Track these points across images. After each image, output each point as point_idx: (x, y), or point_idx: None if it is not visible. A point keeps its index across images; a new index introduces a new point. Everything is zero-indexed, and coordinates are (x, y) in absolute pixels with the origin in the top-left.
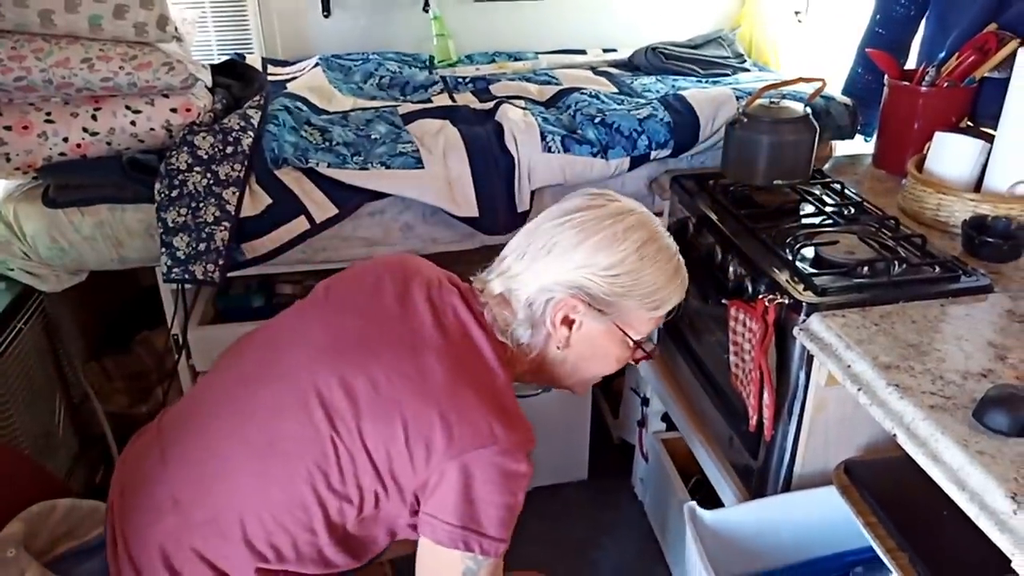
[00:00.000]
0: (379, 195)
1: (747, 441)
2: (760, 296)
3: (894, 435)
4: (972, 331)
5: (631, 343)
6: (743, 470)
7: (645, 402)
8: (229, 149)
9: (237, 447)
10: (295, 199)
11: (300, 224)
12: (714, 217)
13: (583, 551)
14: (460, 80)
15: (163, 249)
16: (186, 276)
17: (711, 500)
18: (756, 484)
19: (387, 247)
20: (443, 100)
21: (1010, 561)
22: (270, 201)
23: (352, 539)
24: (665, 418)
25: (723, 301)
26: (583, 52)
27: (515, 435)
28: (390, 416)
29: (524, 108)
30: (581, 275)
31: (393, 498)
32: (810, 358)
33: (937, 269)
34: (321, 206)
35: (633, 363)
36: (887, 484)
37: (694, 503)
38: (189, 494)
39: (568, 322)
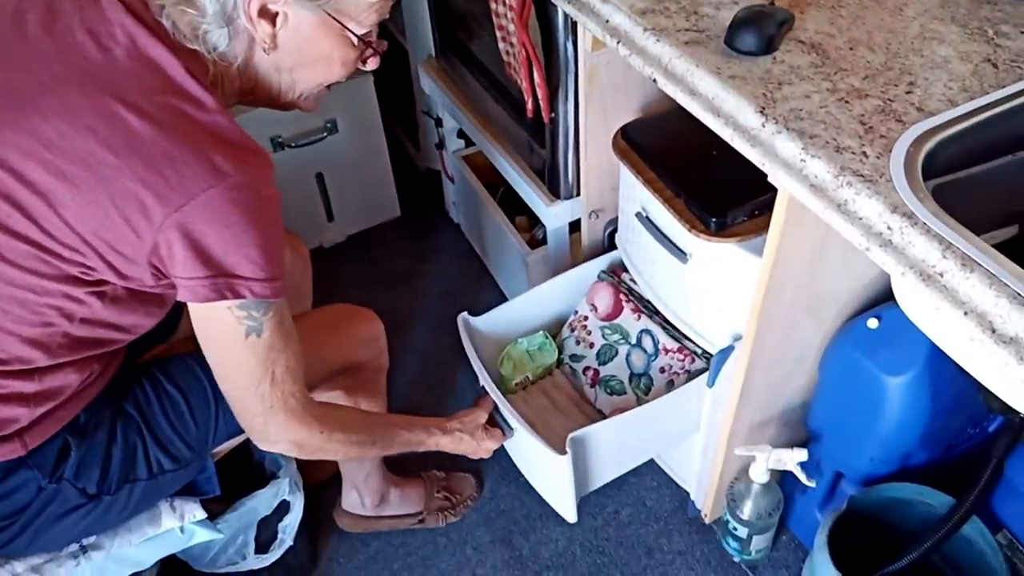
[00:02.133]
0: None
1: (537, 136)
2: None
3: (654, 80)
4: None
5: (354, 39)
6: (541, 170)
7: (438, 123)
8: None
9: None
10: None
11: None
12: None
13: (408, 283)
14: None
15: None
16: None
17: (520, 206)
18: (549, 175)
19: None
20: None
21: (767, 177)
22: None
23: (108, 322)
24: (462, 135)
25: None
26: None
27: (245, 162)
28: (84, 181)
29: None
30: None
31: (131, 273)
32: (574, 26)
33: None
34: None
35: (362, 65)
36: (661, 140)
37: (466, 314)
38: None
39: (270, 15)
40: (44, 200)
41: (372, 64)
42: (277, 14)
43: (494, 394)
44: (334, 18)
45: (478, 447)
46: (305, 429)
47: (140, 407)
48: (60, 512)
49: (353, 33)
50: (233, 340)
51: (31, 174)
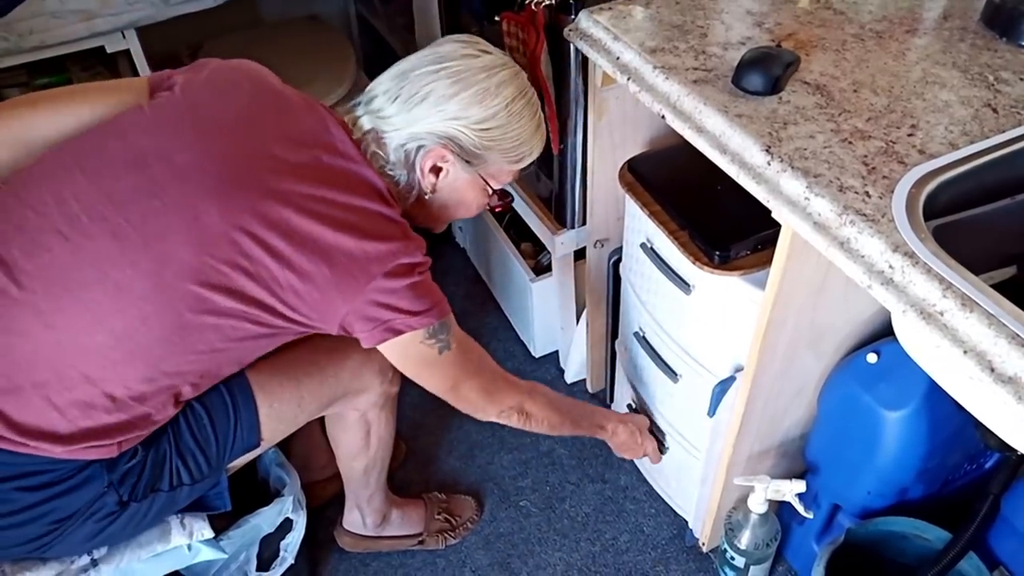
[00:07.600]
0: None
1: (545, 166)
2: (528, 3)
3: (663, 116)
4: (732, 3)
5: (491, 192)
6: (548, 199)
7: None
8: None
9: (130, 273)
10: None
11: None
12: None
13: None
14: None
15: None
16: None
17: (526, 233)
18: (556, 204)
19: (111, 17)
20: None
21: (771, 212)
22: None
23: (239, 359)
24: None
25: (495, 18)
26: None
27: (416, 245)
28: (311, 251)
29: None
30: (453, 127)
31: (322, 326)
32: (585, 62)
33: None
34: None
35: (489, 209)
36: (667, 173)
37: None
38: (72, 319)
39: (436, 170)
40: (283, 264)
41: (497, 209)
42: (442, 170)
43: None
44: (482, 178)
45: (639, 447)
46: (515, 391)
47: (169, 419)
48: (95, 515)
49: (492, 188)
50: (434, 360)
51: (273, 241)
